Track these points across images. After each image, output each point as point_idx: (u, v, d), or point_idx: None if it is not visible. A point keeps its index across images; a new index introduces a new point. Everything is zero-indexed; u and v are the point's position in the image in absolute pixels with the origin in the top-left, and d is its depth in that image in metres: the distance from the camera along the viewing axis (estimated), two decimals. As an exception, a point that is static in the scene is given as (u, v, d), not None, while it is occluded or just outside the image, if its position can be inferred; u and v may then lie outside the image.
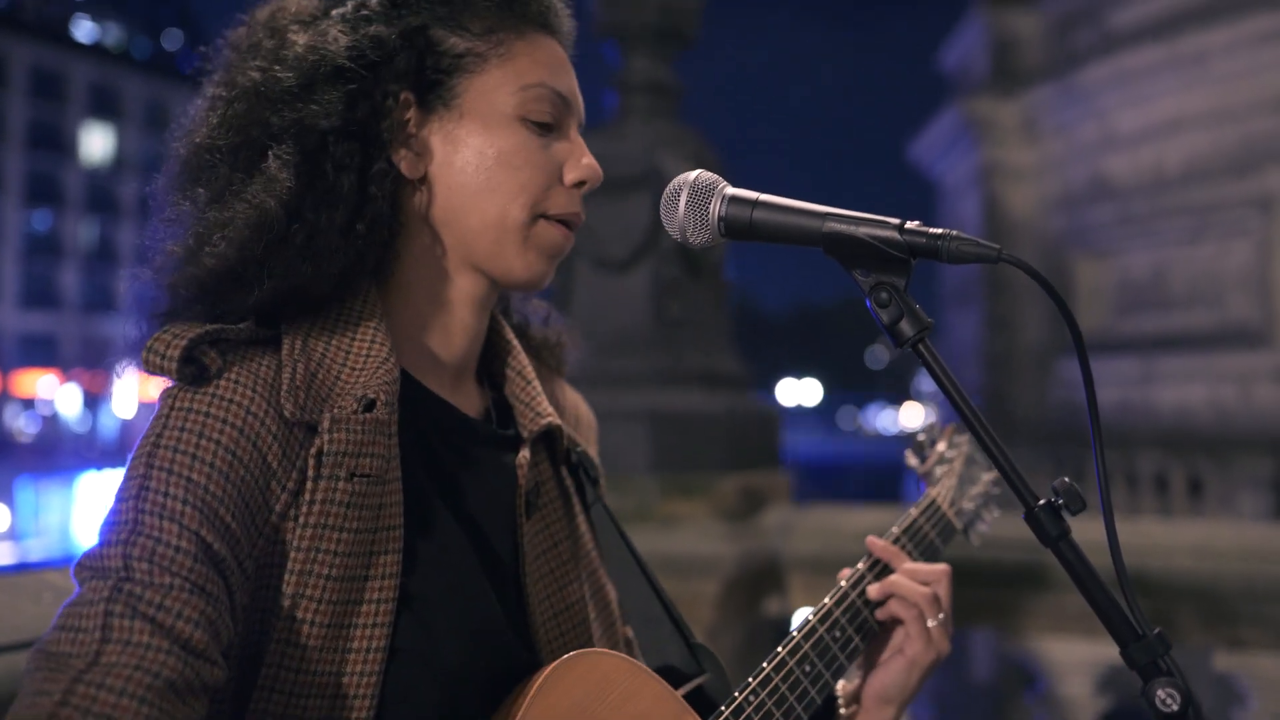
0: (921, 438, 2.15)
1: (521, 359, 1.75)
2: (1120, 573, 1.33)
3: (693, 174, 1.51)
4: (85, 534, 41.36)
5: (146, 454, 1.33)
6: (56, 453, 58.26)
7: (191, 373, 1.36)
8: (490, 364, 1.75)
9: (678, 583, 4.36)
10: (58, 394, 68.33)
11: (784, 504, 5.12)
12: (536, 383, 1.74)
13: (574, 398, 1.93)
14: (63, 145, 70.42)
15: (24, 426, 65.86)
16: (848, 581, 1.80)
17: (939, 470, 2.09)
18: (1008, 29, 17.20)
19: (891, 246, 1.39)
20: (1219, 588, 3.97)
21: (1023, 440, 14.76)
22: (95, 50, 75.16)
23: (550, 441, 1.74)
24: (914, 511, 1.97)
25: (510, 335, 1.76)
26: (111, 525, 1.30)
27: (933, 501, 2.01)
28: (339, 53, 1.49)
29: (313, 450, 1.38)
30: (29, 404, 67.72)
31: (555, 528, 1.69)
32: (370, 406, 1.41)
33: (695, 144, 5.33)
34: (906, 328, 1.40)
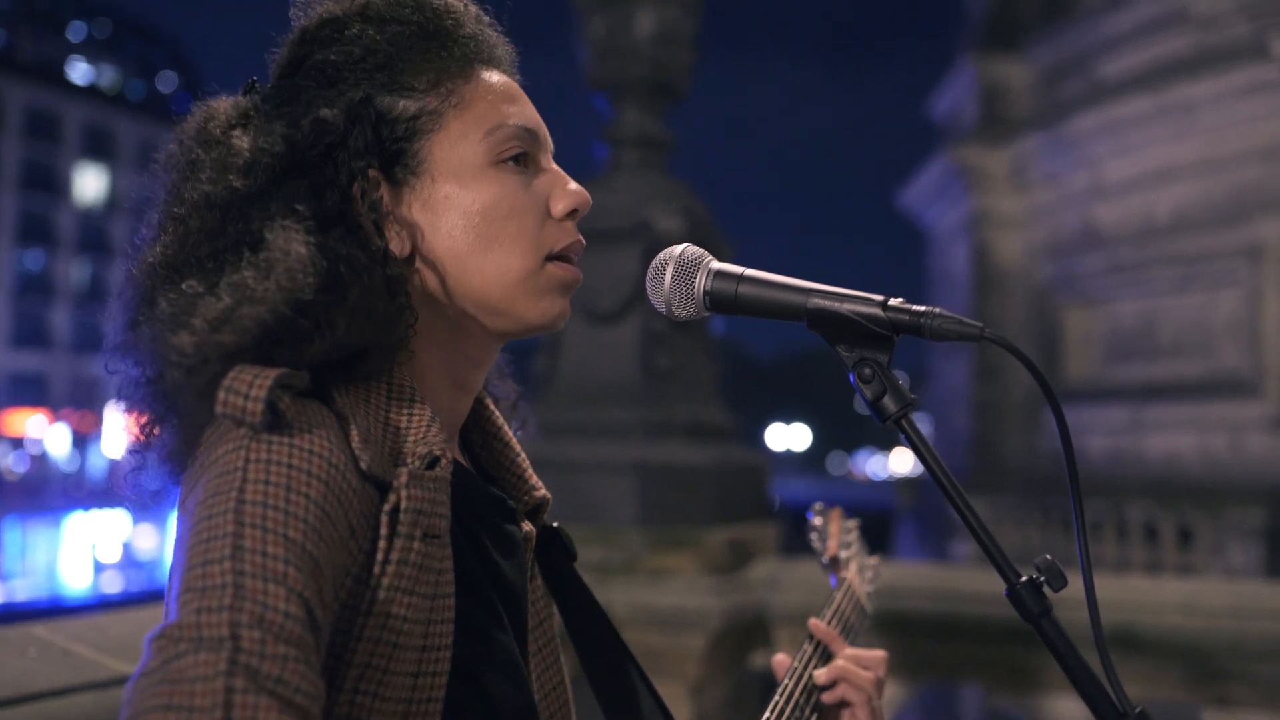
0: (816, 521, 2.20)
1: (505, 429, 1.71)
2: (1101, 651, 1.34)
3: (679, 248, 1.52)
4: (71, 575, 41.27)
5: (232, 509, 1.18)
6: (44, 492, 57.98)
7: (269, 419, 1.24)
8: (468, 431, 1.70)
9: (665, 637, 4.35)
10: (47, 434, 68.12)
11: (771, 557, 5.12)
12: (524, 455, 1.70)
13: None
14: (56, 185, 70.49)
15: (12, 466, 65.60)
16: (799, 662, 1.85)
17: (844, 554, 2.17)
18: (997, 78, 17.30)
19: (875, 323, 1.40)
20: (1207, 645, 3.98)
21: (1012, 489, 14.76)
22: (90, 92, 75.36)
23: (536, 515, 1.70)
24: (838, 596, 2.04)
25: (490, 404, 1.72)
26: (203, 591, 1.12)
27: (848, 585, 2.08)
28: (287, 148, 1.42)
29: (387, 506, 1.29)
30: (18, 443, 67.48)
31: (544, 600, 1.67)
32: (434, 464, 1.35)
33: (685, 197, 5.36)
34: (889, 404, 1.40)
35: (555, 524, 1.75)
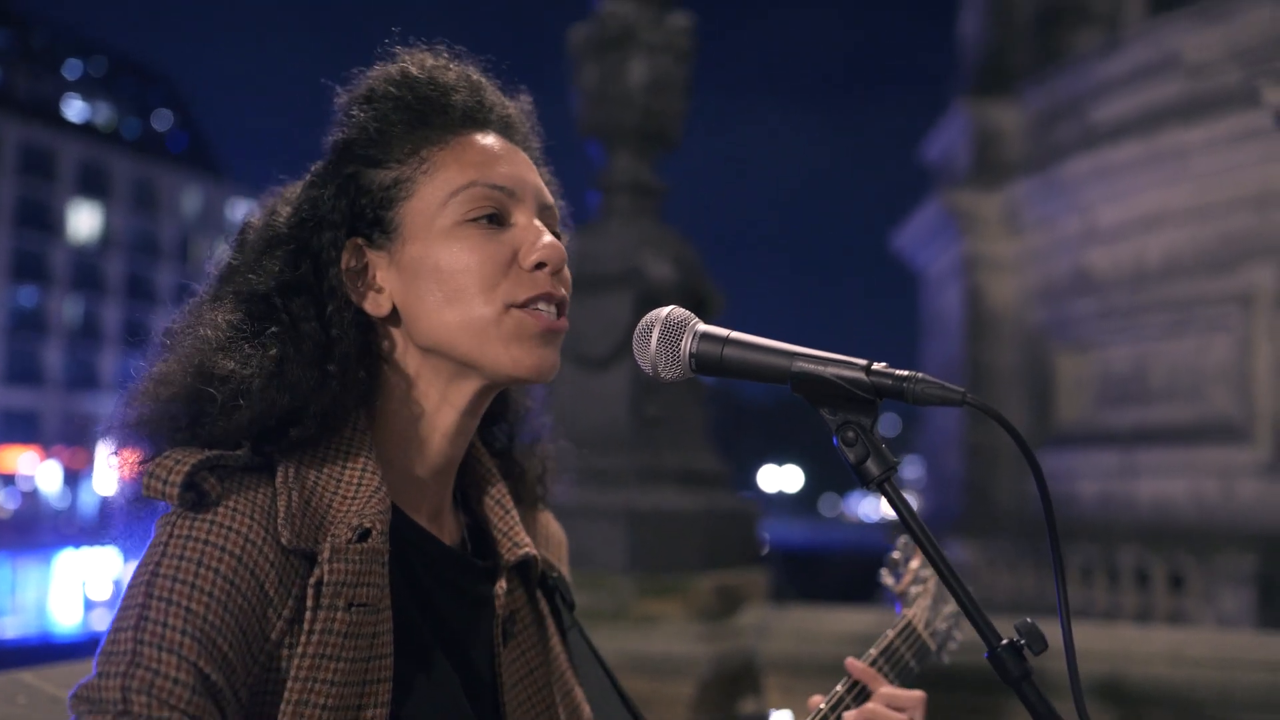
0: (896, 555, 2.17)
1: (501, 488, 1.75)
2: (1079, 706, 1.35)
3: (665, 310, 1.53)
4: (62, 612, 41.06)
5: (145, 582, 1.33)
6: (35, 529, 57.78)
7: (192, 499, 1.36)
8: (467, 490, 1.75)
9: (653, 683, 4.34)
10: (38, 470, 67.97)
11: (761, 604, 5.10)
12: (515, 512, 1.74)
13: (544, 516, 1.92)
14: (50, 223, 70.68)
15: (3, 502, 65.40)
16: (827, 704, 1.82)
17: (914, 590, 2.12)
18: (990, 122, 17.35)
19: (858, 387, 1.41)
20: (1195, 696, 3.96)
21: (1004, 533, 14.73)
22: (85, 129, 75.66)
23: (525, 569, 1.74)
24: (890, 634, 1.98)
25: (489, 463, 1.77)
26: (109, 656, 1.30)
27: (909, 623, 2.03)
28: (281, 224, 1.57)
29: (312, 580, 1.38)
30: (9, 480, 67.32)
31: (531, 654, 1.69)
32: (365, 536, 1.42)
33: (677, 244, 5.38)
34: (872, 467, 1.42)
35: (557, 575, 1.79)
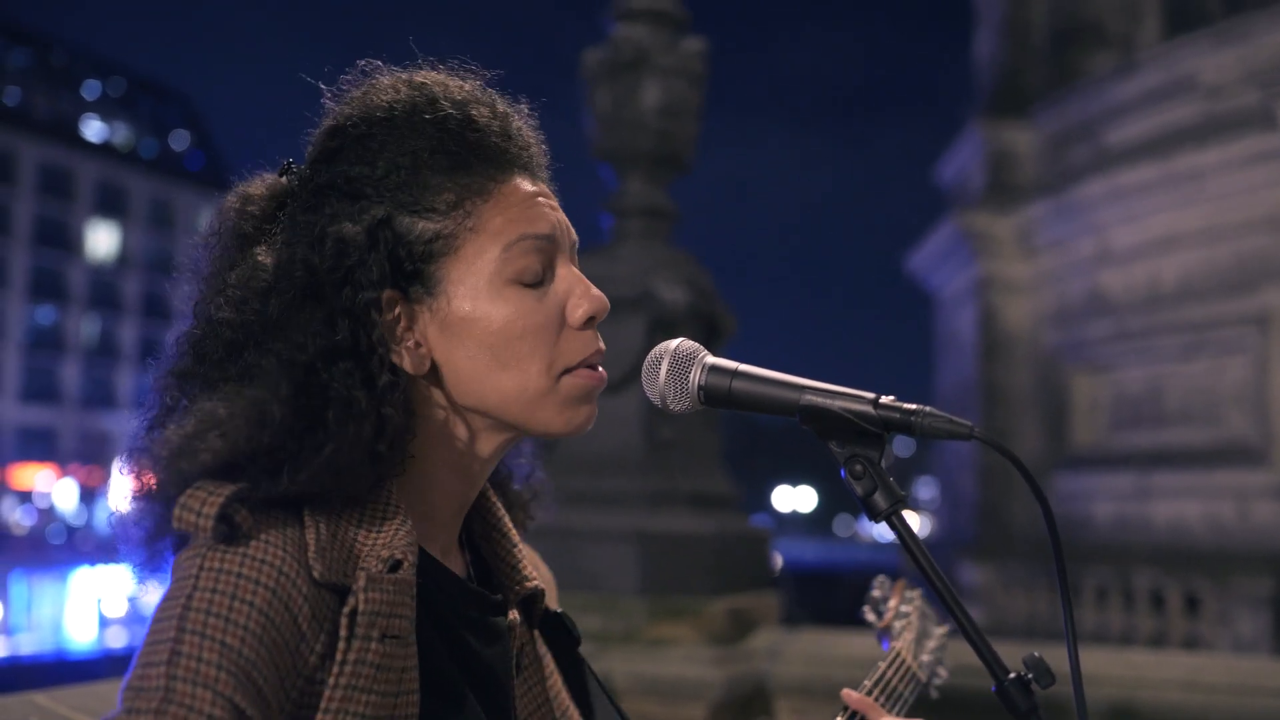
0: (876, 593, 2.20)
1: (505, 520, 1.73)
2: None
3: (674, 343, 1.54)
4: (77, 629, 41.16)
5: (176, 616, 1.27)
6: (51, 546, 57.90)
7: (224, 531, 1.32)
8: (470, 520, 1.71)
9: (664, 707, 4.34)
10: (55, 488, 68.14)
11: (773, 627, 5.10)
12: (520, 545, 1.73)
13: (532, 555, 1.87)
14: (68, 242, 70.97)
15: (20, 519, 65.56)
16: None
17: (898, 624, 2.15)
18: (1004, 144, 17.34)
19: (866, 421, 1.41)
20: (1208, 723, 3.96)
21: (1018, 554, 14.69)
22: (103, 149, 76.01)
23: (529, 604, 1.72)
24: (882, 665, 1.99)
25: (492, 495, 1.74)
26: (138, 692, 1.23)
27: (898, 654, 2.04)
28: (307, 273, 1.45)
29: (346, 609, 1.34)
30: (26, 497, 67.51)
31: (537, 690, 1.68)
32: (396, 567, 1.38)
33: (689, 267, 5.39)
34: (880, 500, 1.42)
35: (559, 610, 1.78)
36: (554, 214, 1.58)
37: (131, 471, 1.45)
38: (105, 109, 78.88)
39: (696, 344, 1.54)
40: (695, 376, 1.51)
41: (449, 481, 1.57)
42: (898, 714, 1.92)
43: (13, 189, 67.34)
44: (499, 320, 1.49)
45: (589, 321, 1.56)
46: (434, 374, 1.51)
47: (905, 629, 2.13)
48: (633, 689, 4.33)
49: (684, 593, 4.84)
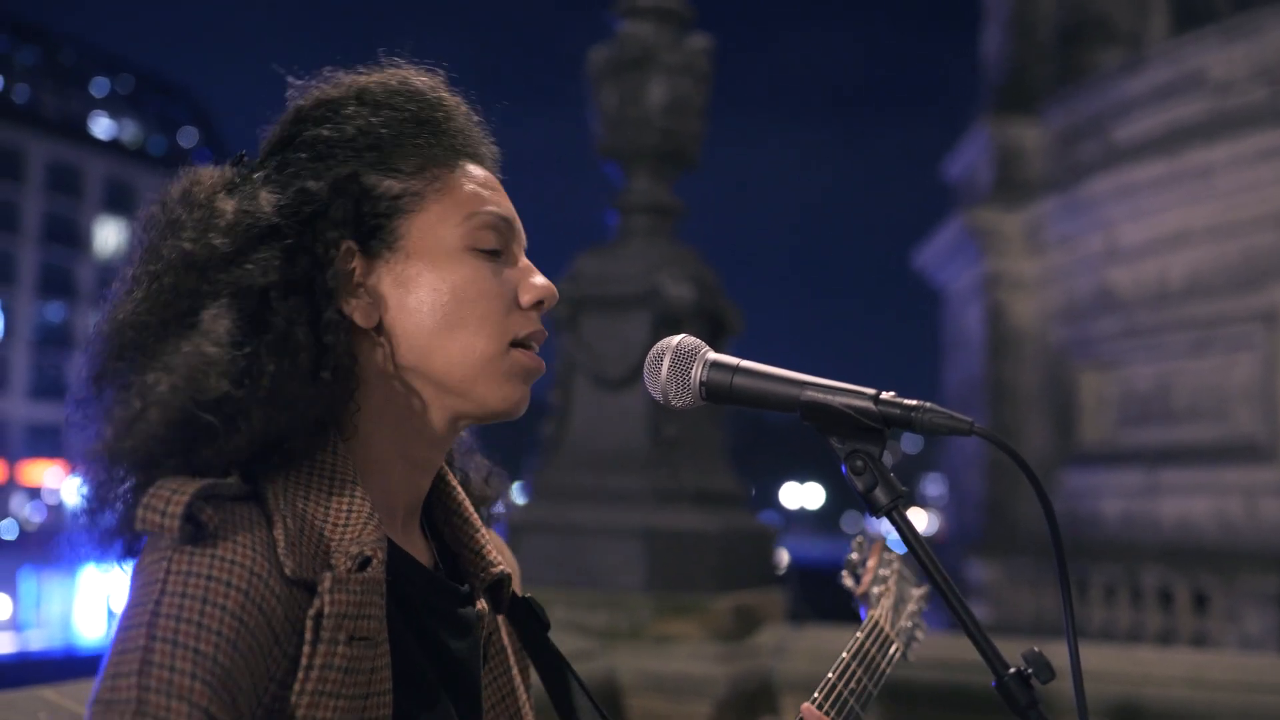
0: (854, 556, 2.16)
1: (466, 504, 1.70)
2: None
3: (676, 339, 1.54)
4: (86, 625, 41.22)
5: (145, 623, 1.21)
6: (61, 543, 57.98)
7: (190, 532, 1.26)
8: (431, 508, 1.69)
9: (670, 703, 4.34)
10: (64, 484, 68.20)
11: (779, 623, 5.11)
12: (484, 530, 1.70)
13: (496, 540, 1.83)
14: (77, 239, 71.07)
15: (29, 516, 65.64)
16: None
17: (876, 590, 2.11)
18: (1012, 141, 17.33)
19: (866, 416, 1.42)
20: (1214, 719, 3.95)
21: (1024, 551, 14.68)
22: (112, 146, 76.09)
23: (495, 590, 1.69)
24: (860, 635, 1.97)
25: (452, 479, 1.72)
26: (108, 705, 1.17)
27: (876, 624, 2.02)
28: (270, 212, 1.46)
29: (311, 612, 1.29)
30: (35, 494, 67.59)
31: (504, 678, 1.66)
32: (365, 565, 1.34)
33: (694, 264, 5.39)
34: (881, 496, 1.43)
35: (527, 595, 1.76)
36: (510, 206, 1.61)
37: (81, 463, 1.41)
38: (113, 106, 78.96)
39: (698, 340, 1.54)
40: (697, 372, 1.51)
41: (395, 463, 1.54)
42: (873, 680, 1.90)
43: (21, 186, 67.46)
44: (455, 281, 1.51)
45: (538, 305, 1.57)
46: (381, 332, 1.50)
47: (883, 595, 2.11)
48: (639, 685, 4.33)
49: (689, 590, 4.84)
